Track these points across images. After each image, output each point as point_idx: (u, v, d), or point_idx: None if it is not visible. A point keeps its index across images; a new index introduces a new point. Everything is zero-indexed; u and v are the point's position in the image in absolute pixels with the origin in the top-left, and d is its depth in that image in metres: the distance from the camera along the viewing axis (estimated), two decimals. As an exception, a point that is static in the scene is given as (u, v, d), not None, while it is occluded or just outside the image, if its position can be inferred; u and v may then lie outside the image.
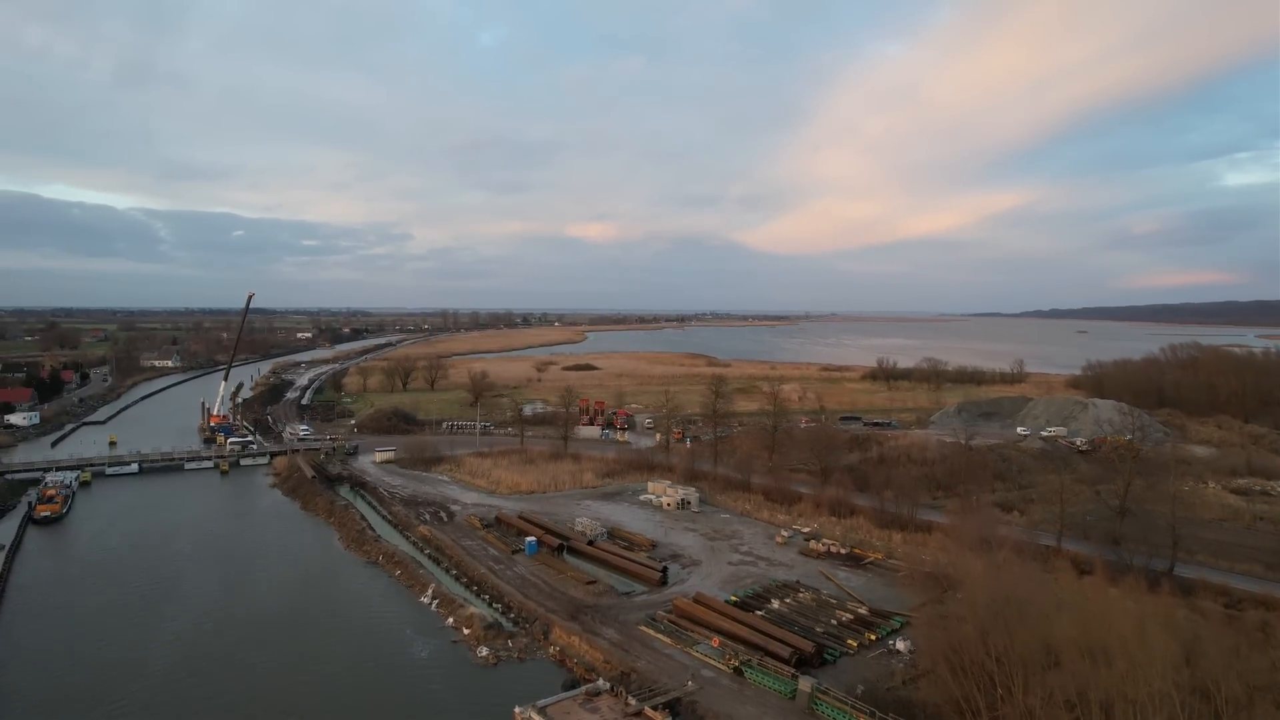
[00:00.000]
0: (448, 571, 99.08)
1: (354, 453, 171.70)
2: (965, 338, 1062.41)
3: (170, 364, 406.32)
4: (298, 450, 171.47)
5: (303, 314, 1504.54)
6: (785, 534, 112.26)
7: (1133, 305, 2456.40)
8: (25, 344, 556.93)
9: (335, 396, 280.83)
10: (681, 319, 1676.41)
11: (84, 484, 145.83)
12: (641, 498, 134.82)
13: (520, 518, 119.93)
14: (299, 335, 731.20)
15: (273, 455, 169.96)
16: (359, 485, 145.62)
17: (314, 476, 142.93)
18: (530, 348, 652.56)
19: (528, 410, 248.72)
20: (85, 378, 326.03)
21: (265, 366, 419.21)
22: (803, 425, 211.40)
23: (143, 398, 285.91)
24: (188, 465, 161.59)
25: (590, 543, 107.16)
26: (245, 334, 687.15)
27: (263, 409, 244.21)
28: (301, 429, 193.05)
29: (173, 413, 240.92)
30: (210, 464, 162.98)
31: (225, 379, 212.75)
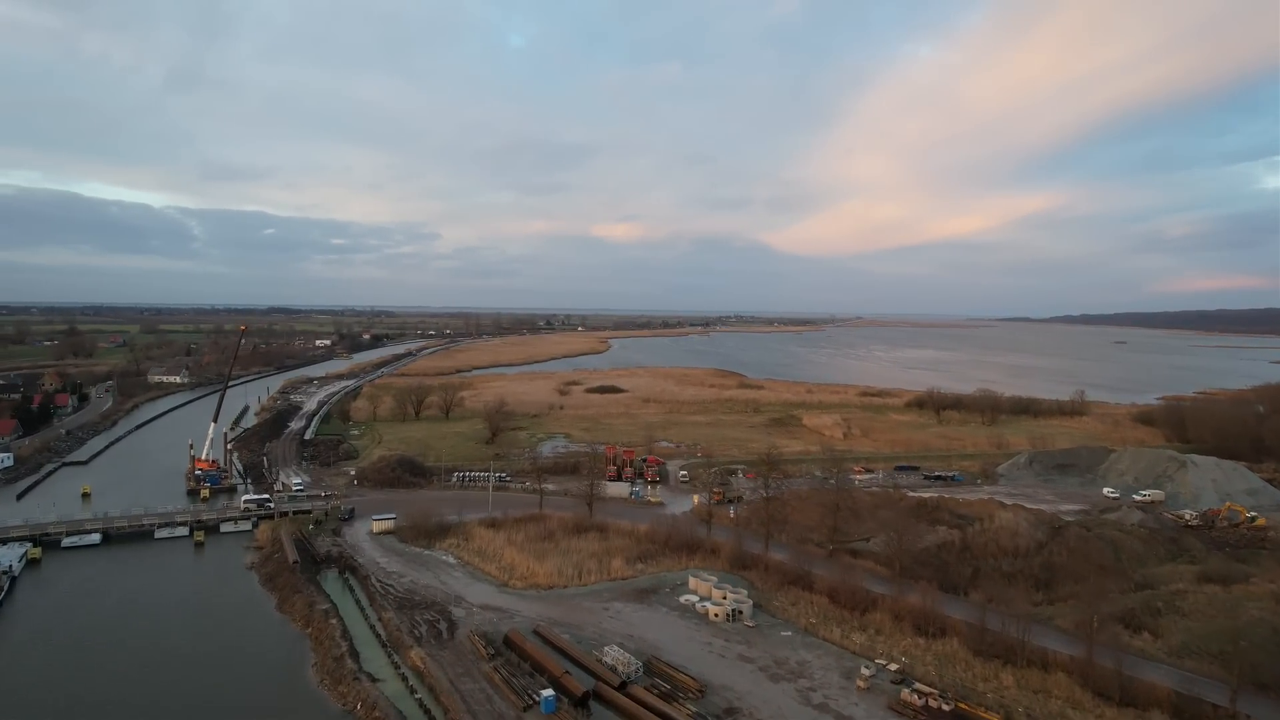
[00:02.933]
0: (441, 736, 77.10)
1: (350, 518, 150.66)
2: (998, 348, 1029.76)
3: (178, 380, 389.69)
4: (286, 514, 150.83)
5: (326, 313, 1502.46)
6: (867, 671, 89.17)
7: (1166, 311, 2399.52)
8: (42, 350, 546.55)
9: (341, 428, 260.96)
10: (706, 323, 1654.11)
11: (32, 562, 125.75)
12: (682, 599, 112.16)
13: (536, 635, 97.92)
14: (317, 343, 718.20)
15: (258, 520, 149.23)
16: (349, 569, 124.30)
17: (295, 563, 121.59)
18: (552, 359, 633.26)
19: (548, 450, 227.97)
20: (84, 399, 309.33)
21: (276, 383, 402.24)
22: (857, 477, 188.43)
23: (139, 426, 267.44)
24: (159, 533, 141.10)
25: (624, 685, 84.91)
26: (262, 342, 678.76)
27: (261, 446, 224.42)
28: (295, 482, 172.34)
29: (166, 447, 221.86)
30: (185, 531, 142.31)
31: (215, 418, 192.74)
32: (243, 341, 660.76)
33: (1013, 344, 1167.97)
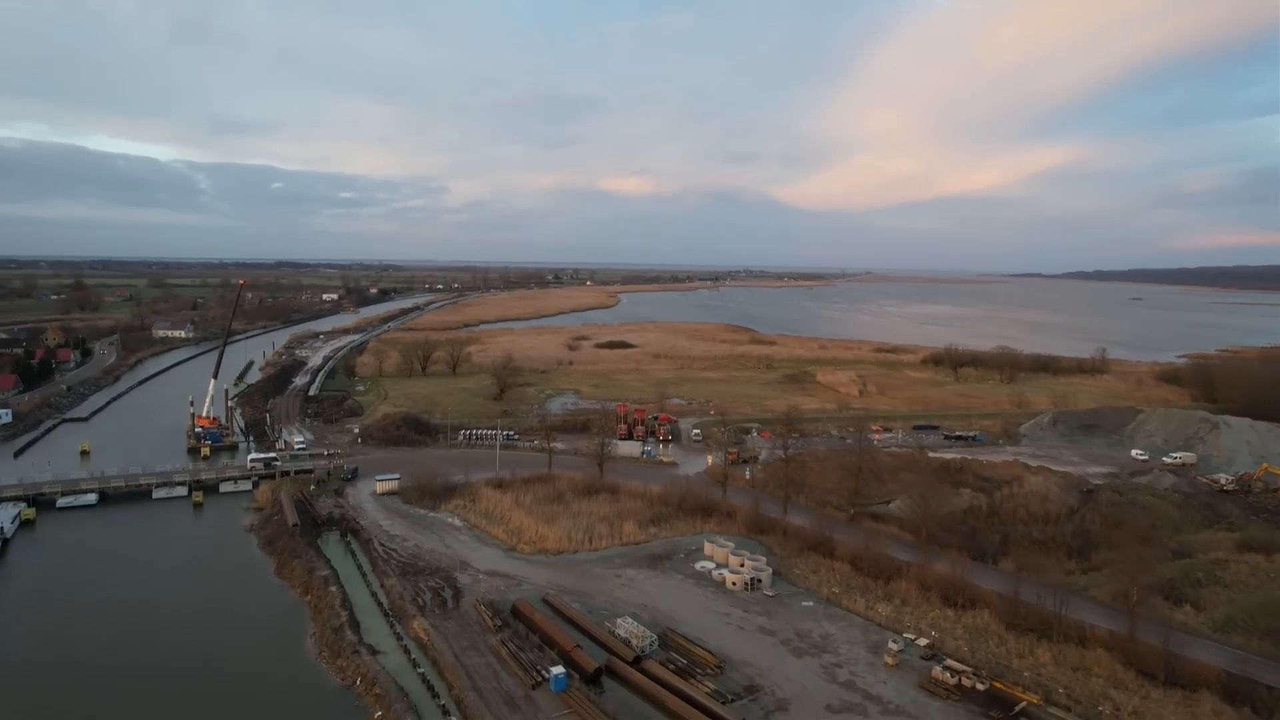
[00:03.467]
0: (445, 715, 72.58)
1: (353, 477, 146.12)
2: (1012, 305, 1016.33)
3: (183, 334, 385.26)
4: (287, 473, 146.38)
5: (334, 267, 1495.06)
6: (895, 646, 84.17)
7: (1183, 268, 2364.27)
8: (48, 304, 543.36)
9: (346, 383, 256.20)
10: (715, 278, 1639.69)
11: (26, 523, 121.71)
12: (698, 566, 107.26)
13: (545, 605, 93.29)
14: (324, 297, 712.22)
15: (259, 479, 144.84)
16: (352, 532, 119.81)
17: (295, 525, 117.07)
18: (561, 314, 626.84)
19: (556, 407, 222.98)
20: (87, 354, 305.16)
21: (282, 338, 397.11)
22: (876, 437, 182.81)
23: (142, 381, 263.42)
24: (157, 493, 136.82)
25: (638, 660, 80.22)
26: (269, 296, 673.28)
27: (264, 402, 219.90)
28: (297, 441, 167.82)
29: (168, 403, 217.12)
30: (183, 491, 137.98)
31: (215, 374, 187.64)
32: (249, 296, 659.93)
33: (1027, 300, 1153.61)
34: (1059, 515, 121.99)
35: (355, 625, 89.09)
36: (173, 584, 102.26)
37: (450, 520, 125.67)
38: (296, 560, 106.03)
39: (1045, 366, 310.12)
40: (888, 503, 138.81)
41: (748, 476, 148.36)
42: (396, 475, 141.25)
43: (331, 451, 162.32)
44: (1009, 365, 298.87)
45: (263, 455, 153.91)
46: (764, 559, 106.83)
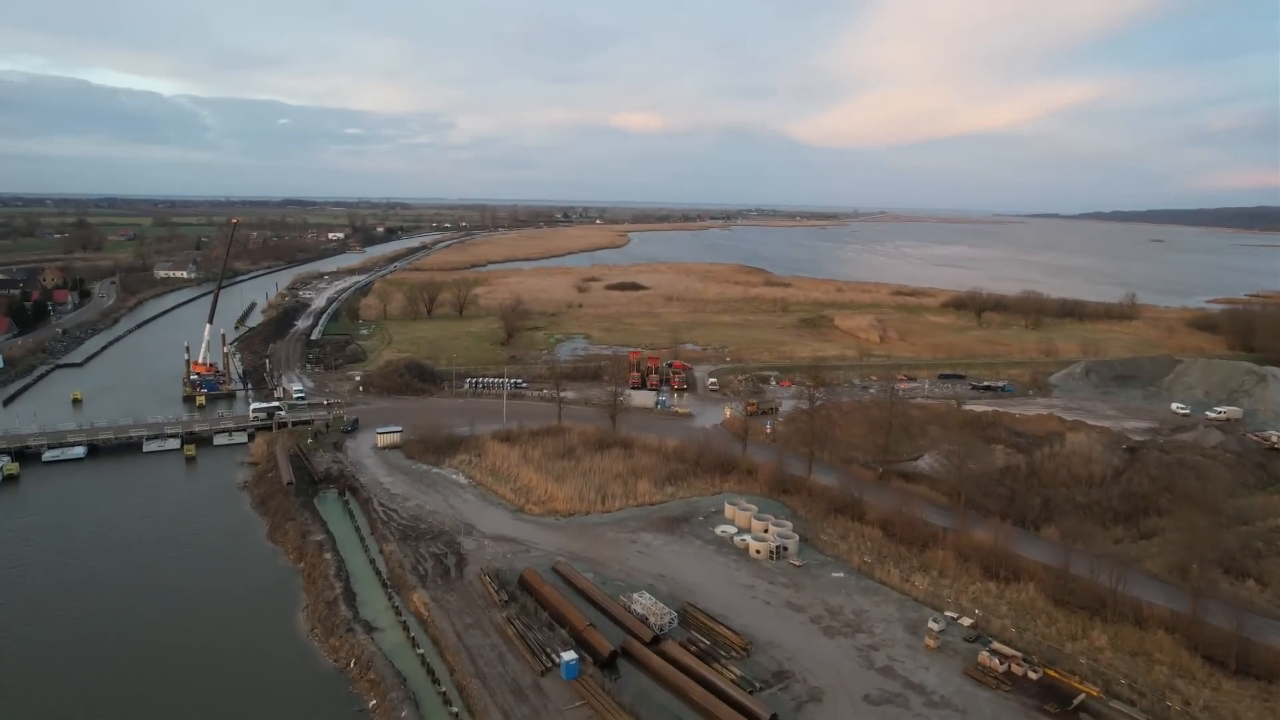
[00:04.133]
0: (446, 704, 66.24)
1: (353, 430, 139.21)
2: (1030, 246, 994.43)
3: (185, 275, 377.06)
4: (285, 425, 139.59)
5: (341, 205, 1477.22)
6: (936, 626, 77.21)
7: (1202, 208, 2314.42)
8: (51, 243, 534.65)
9: (350, 328, 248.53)
10: (726, 217, 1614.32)
11: (9, 478, 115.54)
12: (718, 530, 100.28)
13: (555, 574, 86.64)
14: (330, 236, 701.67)
15: (255, 431, 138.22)
16: (350, 490, 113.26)
17: (290, 484, 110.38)
18: (570, 254, 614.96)
19: (566, 352, 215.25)
20: (85, 295, 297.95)
21: (286, 278, 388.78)
22: (901, 387, 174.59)
23: (141, 324, 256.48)
24: (147, 445, 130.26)
25: (656, 640, 73.62)
26: (274, 235, 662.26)
27: (264, 347, 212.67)
28: (295, 389, 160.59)
29: (166, 347, 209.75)
30: (175, 443, 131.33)
31: (210, 319, 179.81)
32: (254, 235, 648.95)
33: (1045, 241, 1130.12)
34: (1103, 477, 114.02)
35: (351, 598, 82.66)
36: (159, 549, 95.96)
37: (455, 477, 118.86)
38: (290, 523, 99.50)
39: (1071, 312, 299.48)
40: (915, 459, 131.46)
41: (768, 430, 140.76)
42: (399, 428, 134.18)
43: (331, 401, 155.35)
44: (1034, 310, 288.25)
45: (265, 405, 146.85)
46: (789, 523, 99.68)
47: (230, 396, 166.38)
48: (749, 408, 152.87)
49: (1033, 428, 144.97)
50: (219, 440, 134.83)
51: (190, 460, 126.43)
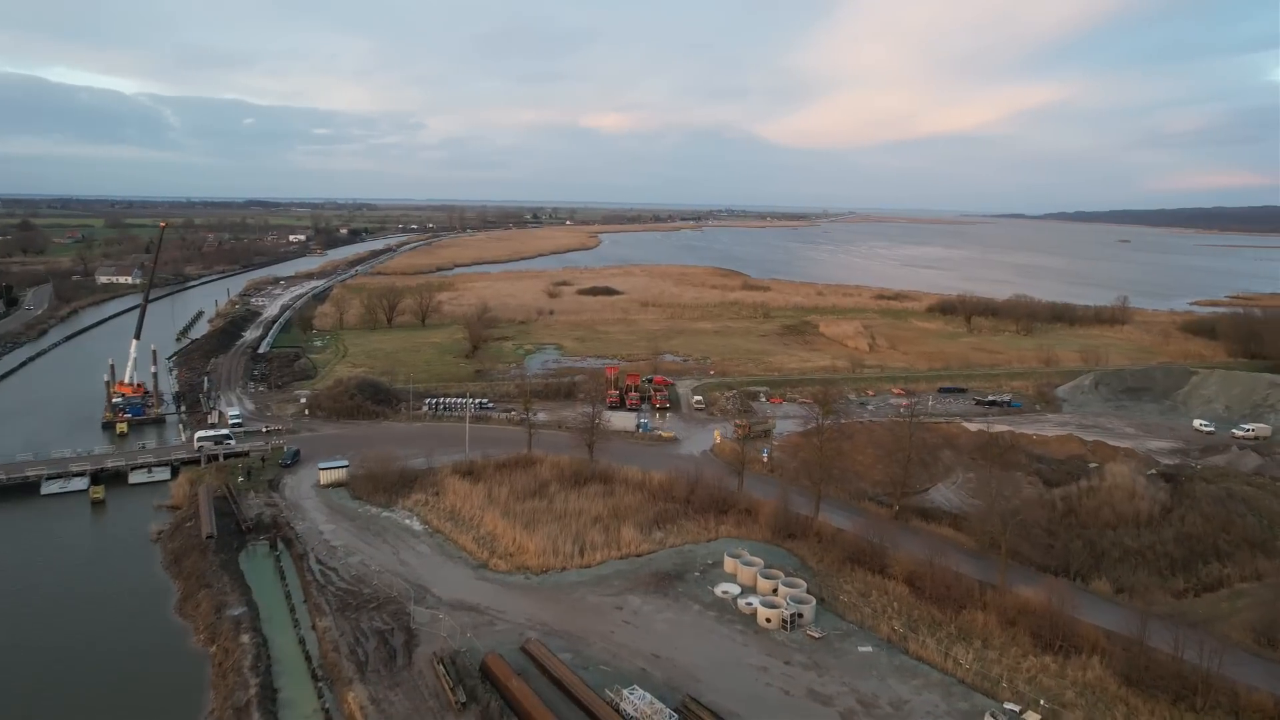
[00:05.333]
0: None
1: (293, 463, 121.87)
2: (1001, 246, 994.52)
3: (130, 280, 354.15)
4: (215, 459, 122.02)
5: (306, 207, 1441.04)
6: (996, 724, 62.72)
7: (1163, 209, 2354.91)
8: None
9: (302, 339, 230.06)
10: (698, 217, 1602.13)
11: None
12: (719, 590, 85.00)
13: (526, 657, 70.77)
14: (290, 238, 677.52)
15: (180, 465, 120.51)
16: (284, 542, 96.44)
17: (210, 537, 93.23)
18: (540, 255, 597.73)
19: (536, 365, 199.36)
20: (13, 303, 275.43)
21: (239, 284, 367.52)
22: (904, 405, 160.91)
23: (70, 336, 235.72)
24: (46, 486, 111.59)
25: (652, 755, 58.18)
26: (231, 237, 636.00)
27: (205, 362, 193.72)
28: (232, 414, 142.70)
29: (97, 363, 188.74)
30: (82, 483, 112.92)
31: (137, 335, 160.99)
32: (211, 237, 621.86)
33: (1014, 242, 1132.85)
34: (1150, 515, 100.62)
35: (270, 698, 66.09)
36: (39, 631, 78.41)
37: (408, 522, 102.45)
38: (204, 590, 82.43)
39: (1061, 316, 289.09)
40: (925, 490, 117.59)
41: (765, 459, 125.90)
42: (345, 461, 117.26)
43: (271, 428, 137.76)
44: (1025, 315, 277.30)
45: (212, 433, 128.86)
46: (802, 581, 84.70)
47: (159, 422, 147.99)
48: (740, 430, 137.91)
49: (1053, 450, 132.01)
50: (136, 478, 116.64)
51: (97, 504, 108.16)
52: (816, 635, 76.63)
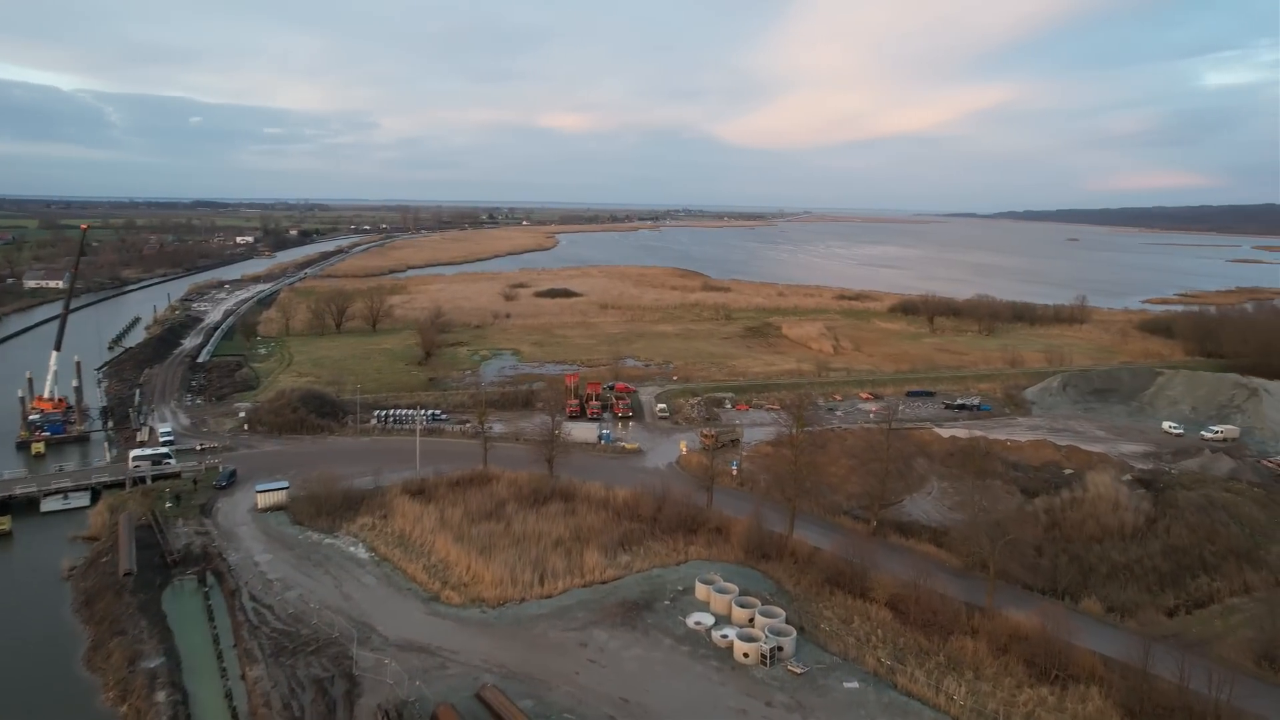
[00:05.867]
0: None
1: (228, 484, 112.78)
2: (955, 245, 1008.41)
3: (60, 285, 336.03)
4: (141, 481, 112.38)
5: (256, 208, 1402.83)
6: (996, 771, 57.49)
7: (1106, 208, 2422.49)
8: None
9: (245, 346, 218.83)
10: (656, 217, 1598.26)
11: None
12: (691, 621, 78.75)
13: (481, 704, 63.78)
14: (238, 240, 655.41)
15: (101, 489, 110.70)
16: (216, 574, 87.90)
17: (128, 574, 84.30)
18: (496, 256, 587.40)
19: (493, 372, 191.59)
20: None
21: (182, 288, 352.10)
22: (873, 411, 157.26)
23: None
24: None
25: (624, 824, 51.62)
26: (175, 239, 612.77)
27: (138, 373, 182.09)
28: (163, 431, 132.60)
29: (15, 375, 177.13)
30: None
31: (57, 345, 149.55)
32: (153, 239, 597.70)
33: (967, 241, 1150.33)
34: (1135, 527, 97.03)
35: (187, 768, 58.18)
36: (-74, 683, 69.25)
37: (353, 550, 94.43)
38: (118, 638, 73.70)
39: (1022, 316, 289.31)
40: (899, 501, 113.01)
41: (734, 471, 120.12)
42: (285, 483, 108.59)
43: (206, 445, 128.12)
44: (987, 315, 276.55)
45: (149, 452, 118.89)
46: (781, 610, 78.82)
47: (83, 440, 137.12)
48: (706, 440, 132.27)
49: (1028, 457, 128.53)
50: (49, 505, 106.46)
51: (2, 537, 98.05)
52: (798, 670, 70.81)
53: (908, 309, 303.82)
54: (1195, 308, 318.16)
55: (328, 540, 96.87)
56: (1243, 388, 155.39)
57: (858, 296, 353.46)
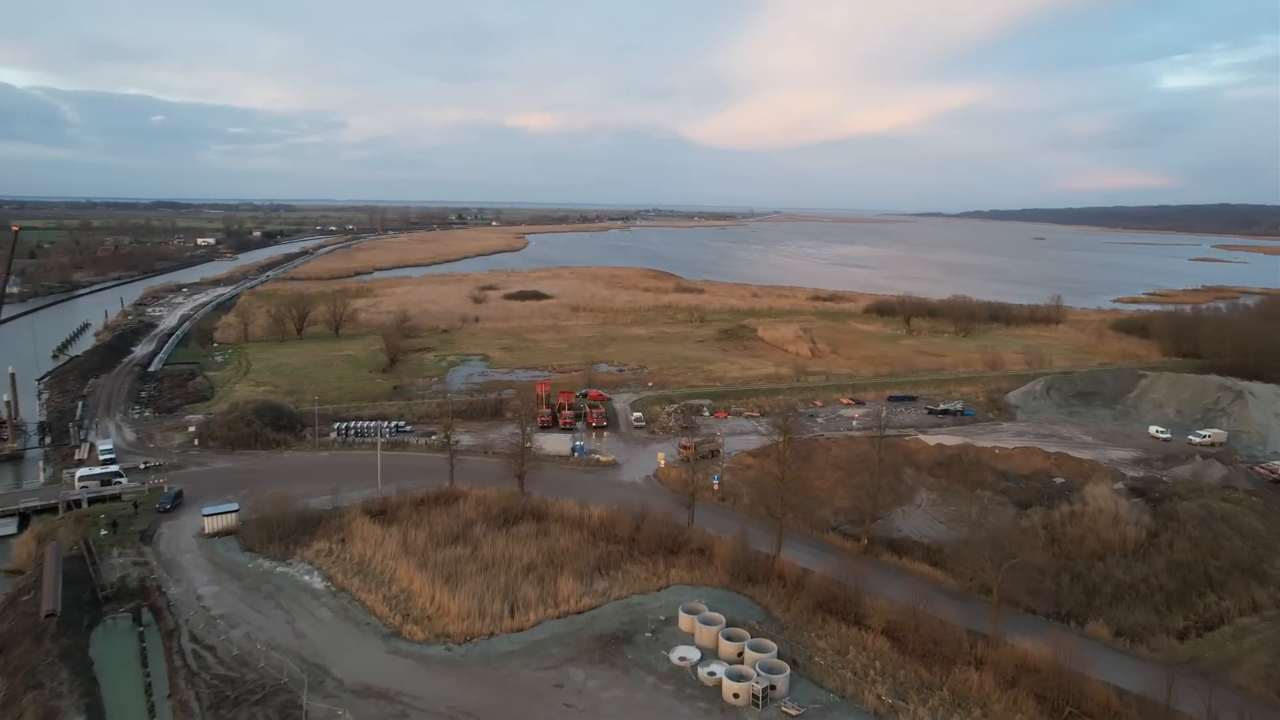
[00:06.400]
0: None
1: (174, 506, 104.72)
2: (925, 244, 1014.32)
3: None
4: (76, 506, 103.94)
5: (220, 208, 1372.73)
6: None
7: (1070, 208, 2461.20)
8: None
9: (200, 354, 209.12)
10: (626, 217, 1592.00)
11: None
12: (675, 657, 72.70)
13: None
14: (198, 242, 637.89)
15: (31, 515, 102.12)
16: (153, 611, 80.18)
17: (51, 614, 76.36)
18: (465, 258, 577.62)
19: (461, 379, 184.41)
20: None
21: (136, 292, 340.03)
22: (855, 418, 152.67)
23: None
24: None
25: None
26: (133, 240, 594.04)
27: (83, 384, 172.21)
28: (104, 448, 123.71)
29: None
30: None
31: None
32: (108, 240, 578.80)
33: (936, 240, 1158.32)
34: (1136, 542, 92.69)
35: None
36: None
37: (307, 579, 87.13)
38: (33, 692, 65.84)
39: (998, 316, 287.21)
40: (887, 515, 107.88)
41: (715, 486, 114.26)
42: (235, 505, 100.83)
43: (150, 463, 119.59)
44: (964, 316, 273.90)
45: (98, 471, 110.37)
46: (773, 644, 72.99)
47: (15, 459, 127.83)
48: (685, 452, 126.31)
49: (1017, 465, 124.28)
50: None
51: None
52: (794, 712, 65.05)
53: (883, 310, 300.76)
54: (1170, 307, 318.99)
55: (280, 568, 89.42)
56: (1228, 390, 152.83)
57: (832, 297, 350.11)
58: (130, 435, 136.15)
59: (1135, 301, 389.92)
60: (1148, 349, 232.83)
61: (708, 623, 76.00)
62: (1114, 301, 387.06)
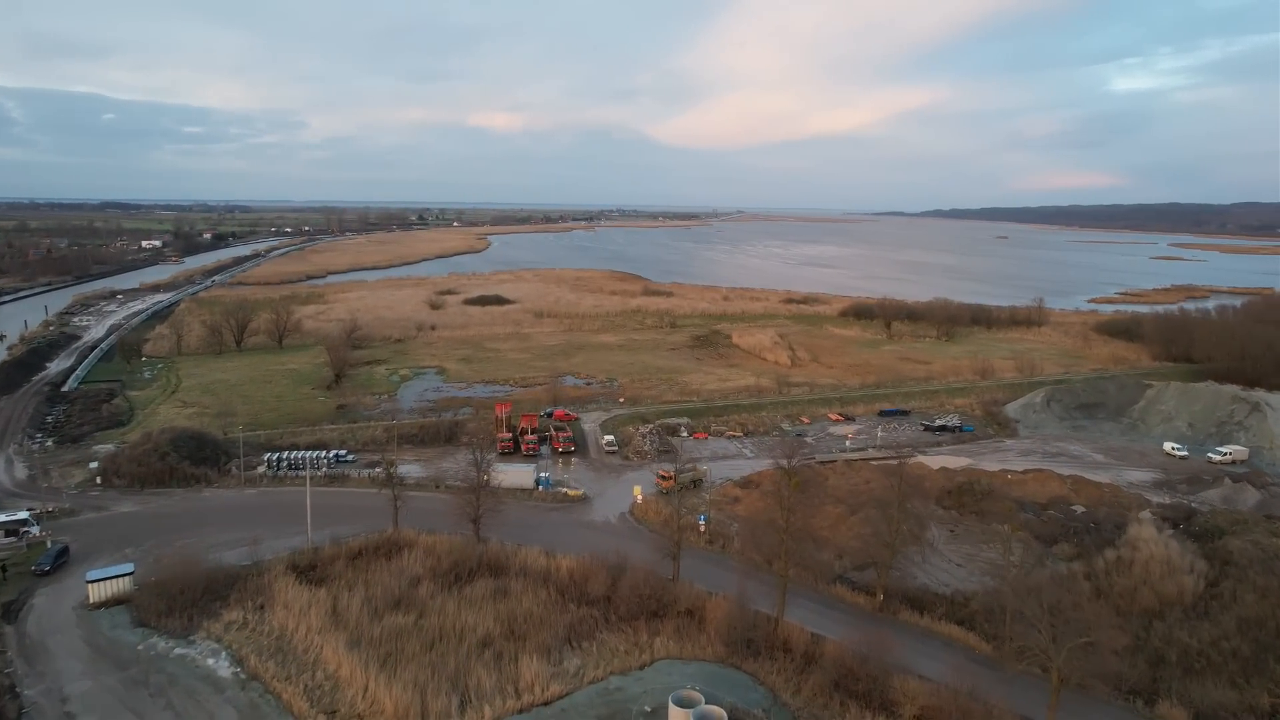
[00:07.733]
0: None
1: (56, 566, 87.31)
2: (888, 244, 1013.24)
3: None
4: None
5: (173, 209, 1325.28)
6: None
7: (1027, 206, 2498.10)
8: None
9: (126, 369, 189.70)
10: (590, 218, 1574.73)
11: None
12: (665, 767, 58.19)
13: None
14: (143, 244, 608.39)
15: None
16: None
17: None
18: (425, 260, 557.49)
19: (413, 396, 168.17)
20: None
21: (65, 299, 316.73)
22: (848, 437, 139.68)
23: None
24: None
25: None
26: (73, 243, 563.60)
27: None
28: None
29: None
30: None
31: None
32: (47, 242, 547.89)
33: (900, 239, 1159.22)
34: (1194, 594, 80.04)
35: None
36: None
37: (211, 663, 70.86)
38: None
39: (979, 319, 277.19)
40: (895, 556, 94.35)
41: (702, 528, 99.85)
42: (129, 566, 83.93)
43: (34, 508, 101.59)
44: (945, 319, 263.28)
45: (4, 518, 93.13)
46: (786, 747, 58.85)
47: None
48: (663, 482, 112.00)
49: (1032, 492, 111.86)
50: None
51: None
52: None
53: (860, 313, 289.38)
54: (1146, 307, 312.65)
55: (178, 649, 72.96)
56: (1243, 402, 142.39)
57: (806, 300, 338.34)
58: (20, 472, 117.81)
59: (1110, 302, 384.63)
60: (1137, 353, 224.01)
61: (705, 718, 61.54)
62: (1089, 302, 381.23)
